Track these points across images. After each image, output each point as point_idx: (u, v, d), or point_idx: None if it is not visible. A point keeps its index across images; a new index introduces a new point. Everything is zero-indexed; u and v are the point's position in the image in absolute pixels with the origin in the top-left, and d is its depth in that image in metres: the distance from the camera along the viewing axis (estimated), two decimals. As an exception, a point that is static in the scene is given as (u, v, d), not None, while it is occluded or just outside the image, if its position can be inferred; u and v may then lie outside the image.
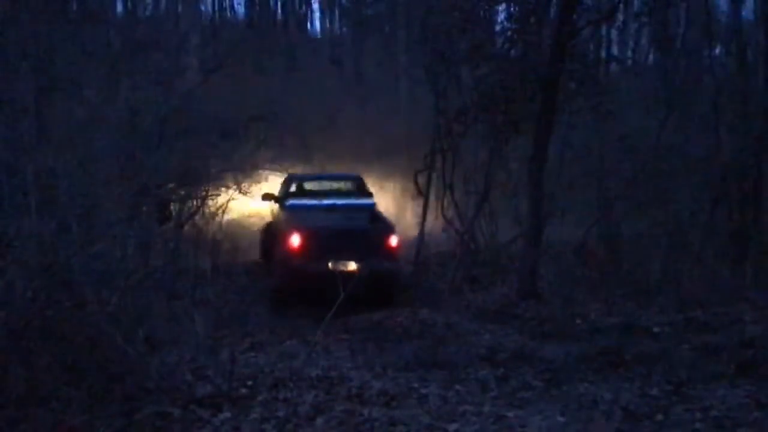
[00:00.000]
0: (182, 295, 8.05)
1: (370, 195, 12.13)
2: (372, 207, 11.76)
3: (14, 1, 9.83)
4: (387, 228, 10.72)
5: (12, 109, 8.55)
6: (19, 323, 4.96)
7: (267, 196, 12.48)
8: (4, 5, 9.77)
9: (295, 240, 10.12)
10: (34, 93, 9.41)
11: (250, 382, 5.62)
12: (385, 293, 10.09)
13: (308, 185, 12.27)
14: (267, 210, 13.32)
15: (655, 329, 7.71)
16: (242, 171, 12.15)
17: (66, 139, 9.00)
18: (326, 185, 12.46)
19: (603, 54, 17.22)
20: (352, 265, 10.03)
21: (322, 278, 9.51)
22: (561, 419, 4.89)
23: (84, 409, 4.74)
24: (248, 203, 13.56)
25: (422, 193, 13.48)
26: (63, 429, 4.52)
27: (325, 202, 11.55)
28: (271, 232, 11.93)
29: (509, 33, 11.48)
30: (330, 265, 9.97)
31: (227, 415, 4.92)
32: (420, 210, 13.65)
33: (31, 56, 9.47)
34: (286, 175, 13.52)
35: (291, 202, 11.61)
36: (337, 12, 36.77)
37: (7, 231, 5.73)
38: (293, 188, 12.11)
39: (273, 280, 10.70)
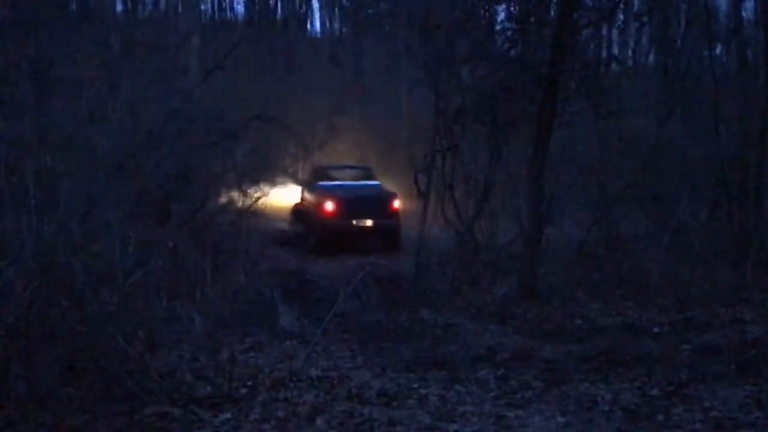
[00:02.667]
0: (182, 295, 8.03)
1: (375, 179, 16.38)
2: (379, 186, 15.86)
3: (14, 1, 9.84)
4: (390, 195, 15.09)
5: (12, 109, 8.55)
6: (19, 323, 4.95)
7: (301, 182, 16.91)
8: (4, 5, 9.77)
9: (329, 206, 14.36)
10: (34, 93, 9.42)
11: (250, 383, 5.61)
12: (388, 240, 14.50)
13: (331, 172, 16.22)
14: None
15: (655, 329, 7.70)
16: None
17: (66, 139, 9.01)
18: (344, 173, 16.44)
19: (603, 54, 17.18)
20: (369, 222, 14.43)
21: (349, 230, 14.26)
22: (561, 419, 4.88)
23: (84, 409, 4.73)
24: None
25: (422, 193, 13.48)
26: (63, 429, 4.51)
27: (345, 183, 15.66)
28: (304, 207, 15.67)
29: (509, 33, 11.48)
30: (354, 222, 14.33)
31: (227, 415, 4.92)
32: (420, 210, 13.65)
33: (31, 56, 9.47)
34: (314, 166, 17.55)
35: (321, 183, 15.39)
36: (337, 12, 36.78)
37: (7, 231, 5.73)
38: (320, 174, 15.98)
39: (313, 237, 14.50)
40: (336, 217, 14.31)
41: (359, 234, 14.53)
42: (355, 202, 14.57)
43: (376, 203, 14.73)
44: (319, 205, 14.57)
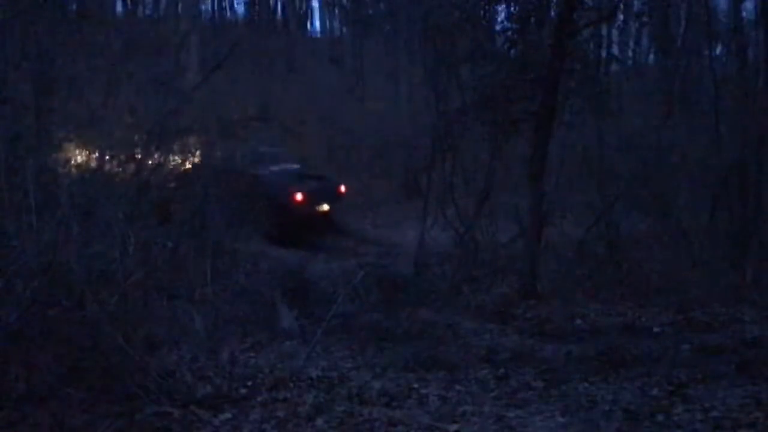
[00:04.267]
0: (182, 295, 8.03)
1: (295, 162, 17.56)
2: (301, 167, 17.26)
3: (14, 1, 9.83)
4: (338, 183, 16.77)
5: (12, 109, 8.55)
6: (19, 323, 4.95)
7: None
8: (4, 5, 9.77)
9: (299, 196, 15.58)
10: (34, 93, 9.42)
11: (249, 383, 5.61)
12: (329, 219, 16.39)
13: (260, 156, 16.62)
14: None
15: (655, 329, 7.70)
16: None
17: (66, 138, 9.01)
18: (265, 156, 16.87)
19: (603, 54, 17.19)
20: (326, 207, 16.15)
21: (314, 215, 15.88)
22: (561, 419, 4.88)
23: (84, 409, 4.73)
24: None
25: (422, 193, 13.48)
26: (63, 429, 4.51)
27: (281, 167, 16.49)
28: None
29: (509, 33, 11.45)
30: (317, 208, 15.91)
31: (227, 415, 4.91)
32: (420, 210, 13.65)
33: (31, 56, 9.47)
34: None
35: (275, 169, 16.15)
36: (337, 12, 36.76)
37: (7, 231, 5.73)
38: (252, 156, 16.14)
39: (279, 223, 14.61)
40: (304, 204, 15.90)
41: (319, 218, 16.27)
42: (316, 190, 16.30)
43: (330, 189, 16.64)
44: (288, 193, 15.86)
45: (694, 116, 13.98)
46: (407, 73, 23.32)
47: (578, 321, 8.38)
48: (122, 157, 9.91)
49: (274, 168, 16.45)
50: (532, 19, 11.06)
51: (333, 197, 16.45)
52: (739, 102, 12.43)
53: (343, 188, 16.75)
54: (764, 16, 12.45)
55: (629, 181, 12.48)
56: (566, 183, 13.14)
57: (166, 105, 10.84)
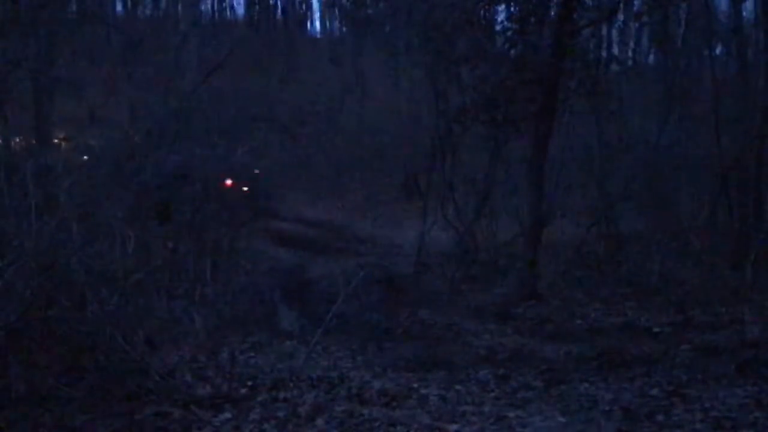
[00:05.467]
0: (182, 295, 8.03)
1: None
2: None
3: (14, 1, 9.84)
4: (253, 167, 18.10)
5: (12, 109, 8.56)
6: (19, 323, 4.95)
7: None
8: (4, 5, 9.78)
9: (229, 182, 16.61)
10: (34, 93, 9.42)
11: (250, 383, 5.60)
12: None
13: None
14: None
15: (655, 329, 7.71)
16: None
17: (66, 139, 9.01)
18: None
19: (603, 54, 17.18)
20: (245, 188, 17.31)
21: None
22: (561, 419, 4.87)
23: (84, 409, 4.73)
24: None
25: (422, 193, 13.48)
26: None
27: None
28: None
29: (509, 33, 11.46)
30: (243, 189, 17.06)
31: (227, 415, 4.91)
32: (420, 210, 13.66)
33: (31, 56, 9.47)
34: None
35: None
36: (337, 12, 36.77)
37: (7, 231, 5.72)
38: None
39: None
40: (232, 188, 17.58)
41: (242, 197, 17.73)
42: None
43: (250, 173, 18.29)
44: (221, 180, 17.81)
45: (694, 116, 13.96)
46: (407, 73, 23.32)
47: (578, 321, 8.39)
48: (122, 157, 9.92)
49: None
50: (532, 19, 11.06)
51: (251, 179, 18.48)
52: (739, 102, 12.42)
53: (257, 171, 18.72)
54: (764, 16, 12.45)
55: (629, 181, 12.48)
56: (566, 183, 13.14)
57: (166, 105, 10.85)
